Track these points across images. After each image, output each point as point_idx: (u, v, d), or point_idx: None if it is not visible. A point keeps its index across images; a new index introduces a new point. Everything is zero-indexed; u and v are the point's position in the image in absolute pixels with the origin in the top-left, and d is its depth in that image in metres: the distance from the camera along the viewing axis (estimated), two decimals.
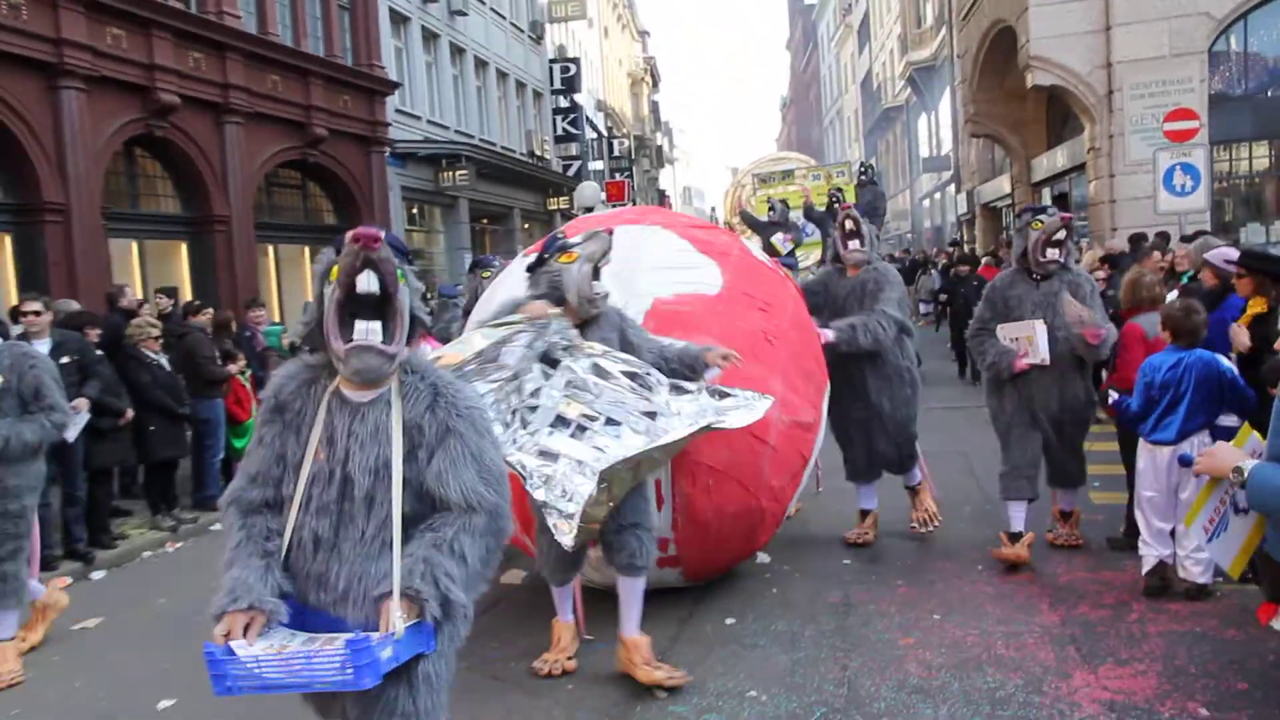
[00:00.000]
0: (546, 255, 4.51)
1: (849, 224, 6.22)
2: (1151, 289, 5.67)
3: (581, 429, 4.08)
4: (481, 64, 25.25)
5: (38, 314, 6.93)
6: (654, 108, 57.02)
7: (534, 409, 4.12)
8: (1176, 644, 4.49)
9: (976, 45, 21.11)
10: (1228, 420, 4.80)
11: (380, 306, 2.45)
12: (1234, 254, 5.67)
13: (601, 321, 4.51)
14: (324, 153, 16.85)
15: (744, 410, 4.47)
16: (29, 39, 10.93)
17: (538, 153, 28.47)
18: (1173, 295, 6.38)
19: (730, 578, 5.70)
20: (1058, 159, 19.67)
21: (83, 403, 6.97)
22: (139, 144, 13.34)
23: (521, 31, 28.70)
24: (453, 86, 23.37)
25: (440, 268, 21.74)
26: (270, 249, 16.47)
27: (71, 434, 6.92)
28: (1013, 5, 17.51)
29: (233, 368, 9.09)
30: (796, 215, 13.82)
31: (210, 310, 10.05)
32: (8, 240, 11.39)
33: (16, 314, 7.46)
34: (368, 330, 2.42)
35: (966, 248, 22.55)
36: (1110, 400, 5.32)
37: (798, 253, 12.10)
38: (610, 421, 4.10)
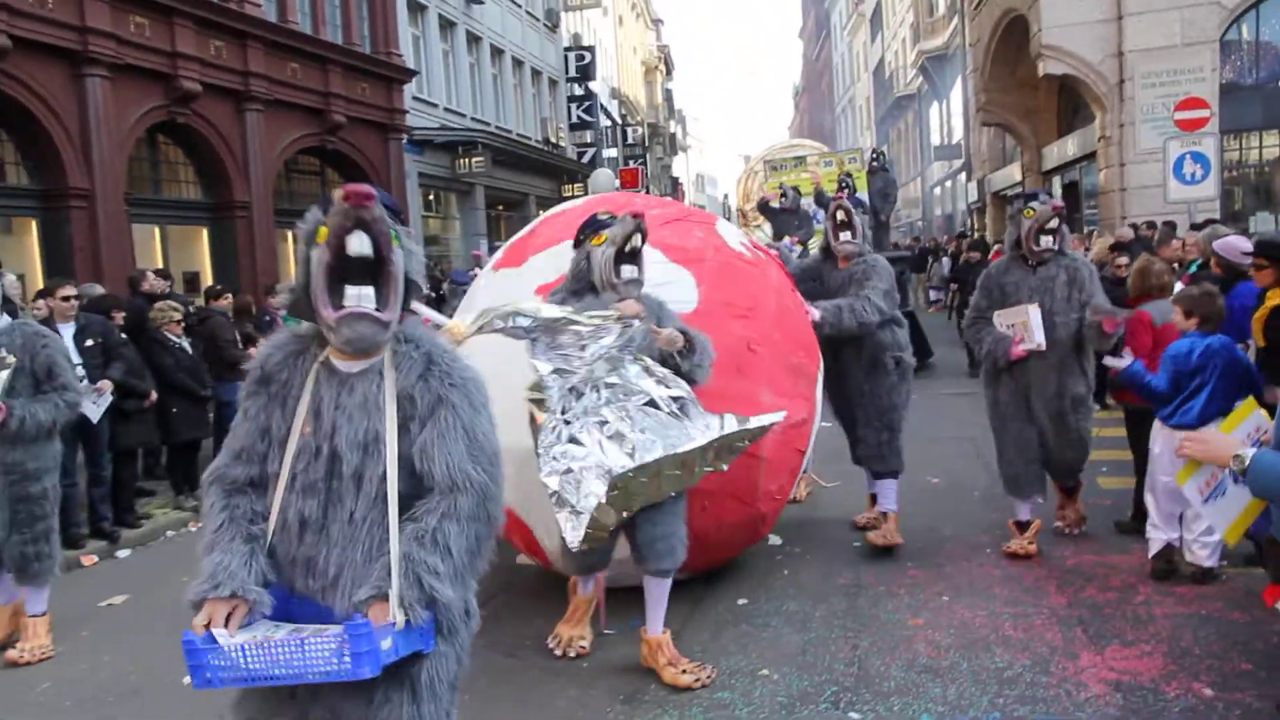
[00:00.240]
0: (582, 236, 4.33)
1: (840, 215, 5.95)
2: (1160, 277, 5.64)
3: (620, 434, 3.95)
4: (498, 52, 25.21)
5: (76, 298, 7.12)
6: (667, 95, 56.82)
7: (579, 398, 4.01)
8: (1182, 626, 4.50)
9: (988, 34, 20.96)
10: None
11: (373, 270, 2.23)
12: (1243, 243, 5.64)
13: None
14: (342, 139, 16.87)
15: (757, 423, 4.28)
16: (55, 27, 10.97)
17: (553, 140, 28.44)
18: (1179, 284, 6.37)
19: (742, 559, 5.72)
20: (1068, 147, 19.55)
21: (106, 384, 7.04)
22: (161, 131, 13.38)
23: (537, 20, 28.62)
24: (469, 74, 23.35)
25: (456, 253, 21.76)
26: (289, 234, 16.47)
27: (95, 415, 7.00)
28: None
29: (253, 351, 9.14)
30: (808, 202, 13.78)
31: (231, 295, 10.11)
32: (34, 225, 11.46)
33: (45, 296, 7.53)
34: (360, 296, 2.20)
35: (977, 235, 22.42)
36: (1123, 365, 4.97)
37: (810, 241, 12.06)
38: (643, 431, 3.97)
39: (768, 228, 13.66)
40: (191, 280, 13.84)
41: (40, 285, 9.03)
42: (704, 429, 4.04)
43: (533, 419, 4.11)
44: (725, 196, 62.68)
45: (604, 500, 3.80)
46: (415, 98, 19.77)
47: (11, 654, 5.10)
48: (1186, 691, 3.85)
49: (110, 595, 6.19)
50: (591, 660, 4.54)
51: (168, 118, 13.02)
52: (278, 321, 10.21)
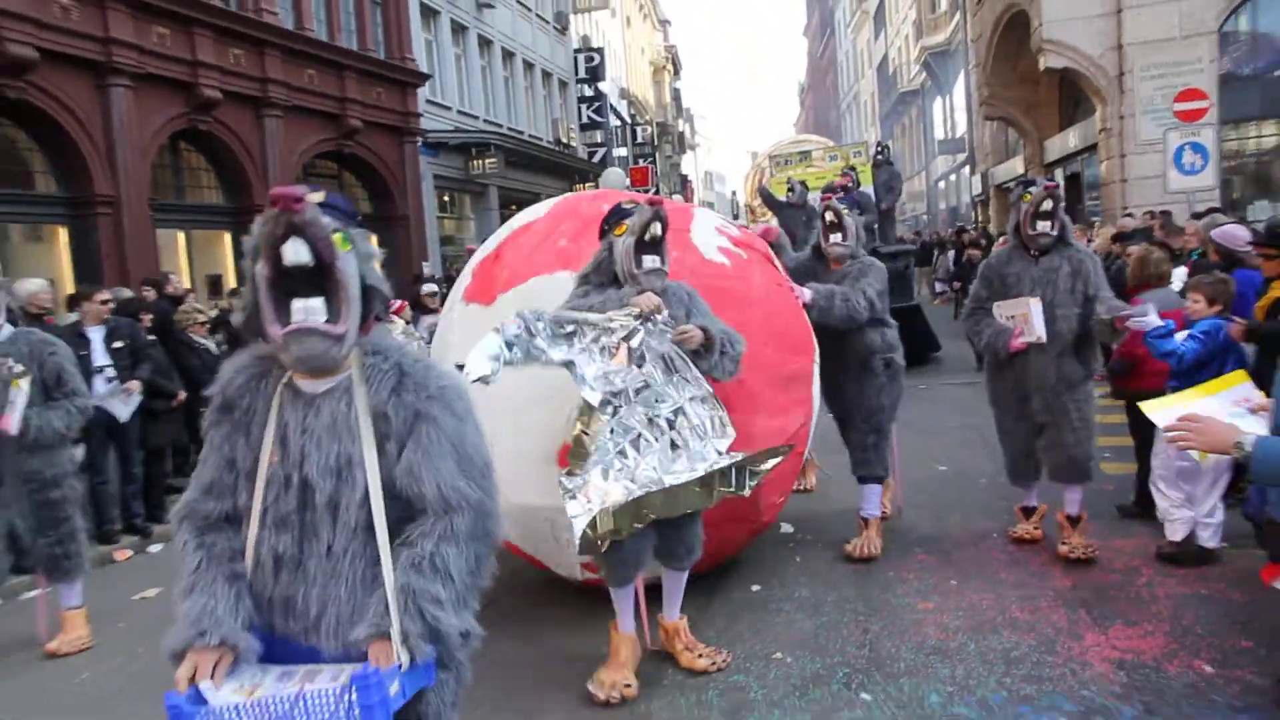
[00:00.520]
0: (606, 227, 4.14)
1: (830, 216, 5.61)
2: (1159, 266, 5.65)
3: (647, 443, 3.83)
4: (509, 55, 25.25)
5: (108, 302, 7.31)
6: (675, 95, 56.74)
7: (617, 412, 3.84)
8: (1183, 606, 4.52)
9: (990, 29, 20.87)
10: None
11: (318, 280, 2.00)
12: (1241, 231, 5.64)
13: (668, 298, 4.07)
14: (359, 143, 16.95)
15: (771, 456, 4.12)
16: (80, 39, 11.08)
17: (564, 140, 28.46)
18: (1179, 271, 6.36)
19: (755, 548, 5.74)
20: (1070, 140, 19.47)
21: (135, 384, 7.15)
22: (183, 138, 13.48)
23: (547, 23, 28.64)
24: (481, 77, 23.40)
25: None
26: None
27: (125, 414, 7.10)
28: None
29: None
30: (815, 197, 13.74)
31: None
32: (63, 232, 11.58)
33: (75, 301, 7.63)
34: (306, 309, 1.98)
35: (979, 227, 22.26)
36: (1154, 323, 4.80)
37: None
38: (673, 445, 3.85)
39: (775, 222, 13.63)
40: (215, 283, 13.96)
41: (70, 290, 9.15)
42: (723, 450, 3.92)
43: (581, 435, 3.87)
44: (734, 193, 62.53)
45: (618, 506, 3.65)
46: (429, 101, 19.83)
47: (51, 645, 5.19)
48: (1188, 669, 3.87)
49: (144, 589, 6.28)
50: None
51: (189, 125, 13.12)
52: None
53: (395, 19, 18.46)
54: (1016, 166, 23.77)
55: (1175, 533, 5.05)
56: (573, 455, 3.81)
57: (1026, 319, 5.03)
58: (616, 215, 4.09)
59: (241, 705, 1.91)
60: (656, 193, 22.28)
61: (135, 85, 11.89)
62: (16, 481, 4.86)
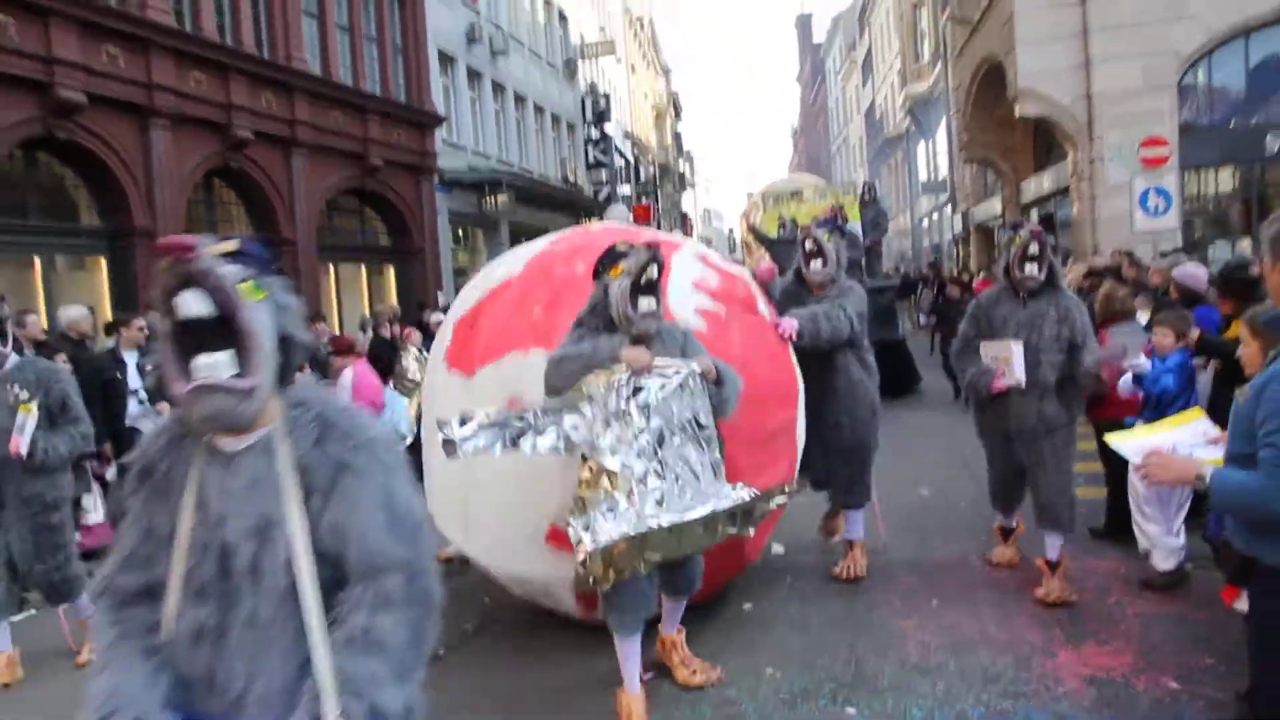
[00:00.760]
0: (600, 268, 3.88)
1: (809, 244, 5.45)
2: (1125, 302, 5.68)
3: (655, 478, 3.61)
4: (520, 99, 25.44)
5: (146, 329, 7.43)
6: (676, 137, 57.09)
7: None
8: (1151, 625, 4.51)
9: (969, 79, 21.05)
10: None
11: (224, 333, 1.75)
12: (1200, 270, 5.69)
13: (663, 339, 3.89)
14: (379, 181, 17.06)
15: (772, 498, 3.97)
16: (125, 84, 11.22)
17: (571, 179, 28.61)
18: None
19: (749, 571, 5.72)
20: (1044, 182, 19.58)
21: (165, 406, 7.18)
22: (217, 175, 13.59)
23: (557, 69, 28.88)
24: (494, 119, 23.57)
25: None
26: (331, 267, 16.69)
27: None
28: (1002, 43, 17.46)
29: (297, 377, 9.25)
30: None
31: None
32: (104, 262, 11.65)
33: (114, 327, 7.68)
34: (210, 365, 1.73)
35: (954, 267, 22.18)
36: (1147, 368, 4.82)
37: None
38: (677, 479, 3.64)
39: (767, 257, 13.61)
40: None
41: (108, 317, 9.19)
42: (727, 491, 3.73)
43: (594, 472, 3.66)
44: (730, 230, 62.80)
45: (619, 544, 3.43)
46: (445, 142, 19.97)
47: (81, 657, 5.16)
48: (1155, 685, 3.87)
49: None
50: (609, 659, 4.42)
51: (223, 163, 13.23)
52: (320, 349, 10.32)
53: (415, 66, 18.63)
54: (995, 206, 23.88)
55: (1165, 561, 4.95)
56: (575, 506, 3.61)
57: (1008, 361, 4.84)
58: (611, 257, 3.83)
59: None
60: (658, 228, 22.33)
61: (174, 126, 12.00)
62: (18, 505, 4.76)
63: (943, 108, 30.05)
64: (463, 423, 3.45)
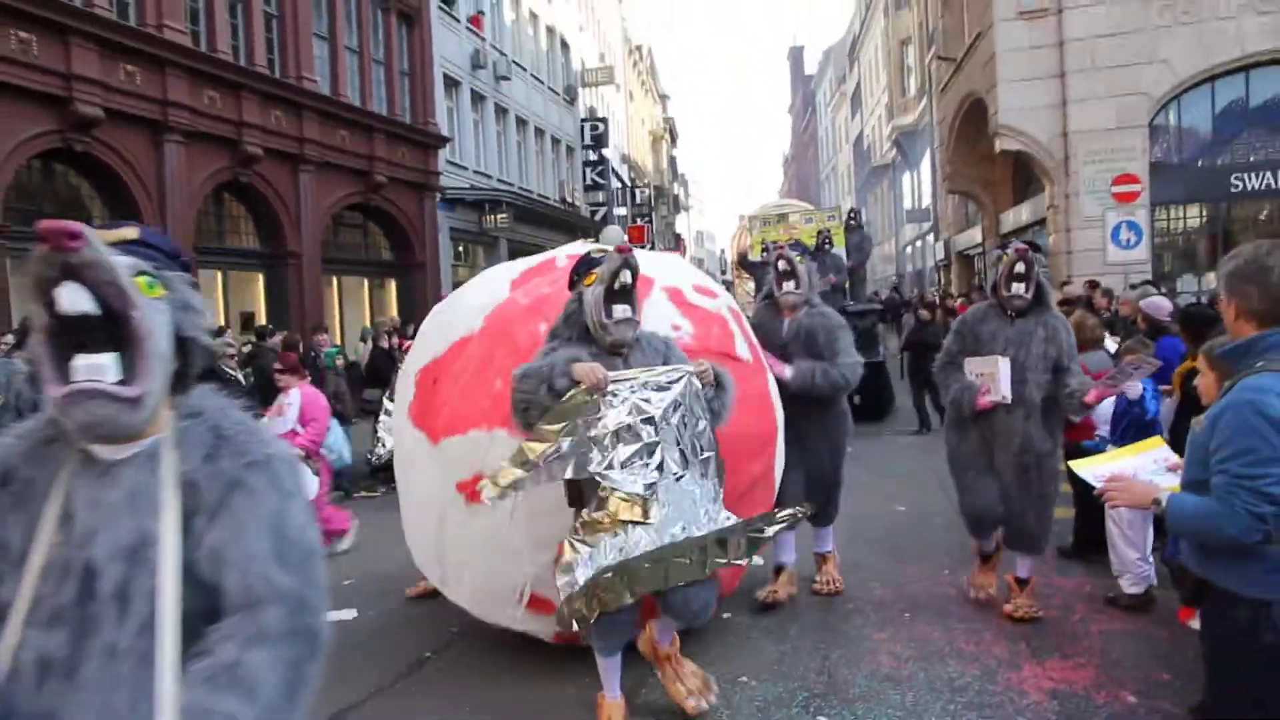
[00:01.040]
0: (575, 278, 3.67)
1: (783, 265, 5.17)
2: (1094, 331, 5.74)
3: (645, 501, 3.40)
4: (522, 122, 25.56)
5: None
6: (672, 161, 57.33)
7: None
8: (1112, 641, 4.53)
9: (952, 114, 21.26)
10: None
11: (110, 332, 1.45)
12: (1165, 304, 5.75)
13: (642, 348, 3.67)
14: (384, 197, 17.10)
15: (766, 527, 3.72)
16: (142, 101, 11.27)
17: (569, 200, 28.72)
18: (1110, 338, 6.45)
19: None
20: (1022, 214, 19.75)
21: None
22: (226, 189, 13.62)
23: (557, 94, 29.03)
24: (496, 141, 23.67)
25: None
26: (335, 280, 16.70)
27: None
28: (984, 80, 17.66)
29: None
30: None
31: (283, 333, 10.23)
32: None
33: None
34: (90, 367, 1.44)
35: (935, 292, 22.19)
36: (1138, 393, 4.75)
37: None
38: (666, 505, 3.40)
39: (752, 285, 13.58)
40: (248, 320, 14.00)
41: None
42: (717, 513, 3.48)
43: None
44: (722, 251, 62.98)
45: (608, 576, 3.26)
46: (448, 161, 20.04)
47: None
48: (1114, 699, 3.89)
49: None
50: (588, 666, 4.31)
51: (232, 177, 13.27)
52: (321, 357, 10.34)
53: (421, 88, 18.72)
54: (975, 235, 24.05)
55: (1135, 586, 4.95)
56: (587, 529, 3.42)
57: (994, 377, 4.63)
58: (585, 265, 3.64)
59: None
60: (652, 249, 22.34)
61: (187, 141, 12.04)
62: None
63: (927, 140, 30.29)
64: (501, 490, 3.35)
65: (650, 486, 3.28)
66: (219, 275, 13.75)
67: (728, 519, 3.45)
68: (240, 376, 8.49)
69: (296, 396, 6.79)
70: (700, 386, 3.55)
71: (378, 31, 17.59)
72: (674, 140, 59.07)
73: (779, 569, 5.36)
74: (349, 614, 5.60)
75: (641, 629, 3.83)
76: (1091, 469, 3.16)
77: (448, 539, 4.38)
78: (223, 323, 11.59)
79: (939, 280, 28.33)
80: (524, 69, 25.53)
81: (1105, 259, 13.68)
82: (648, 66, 49.48)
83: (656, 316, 4.35)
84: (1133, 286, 10.25)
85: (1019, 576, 4.97)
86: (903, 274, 41.80)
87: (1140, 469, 3.04)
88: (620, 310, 3.54)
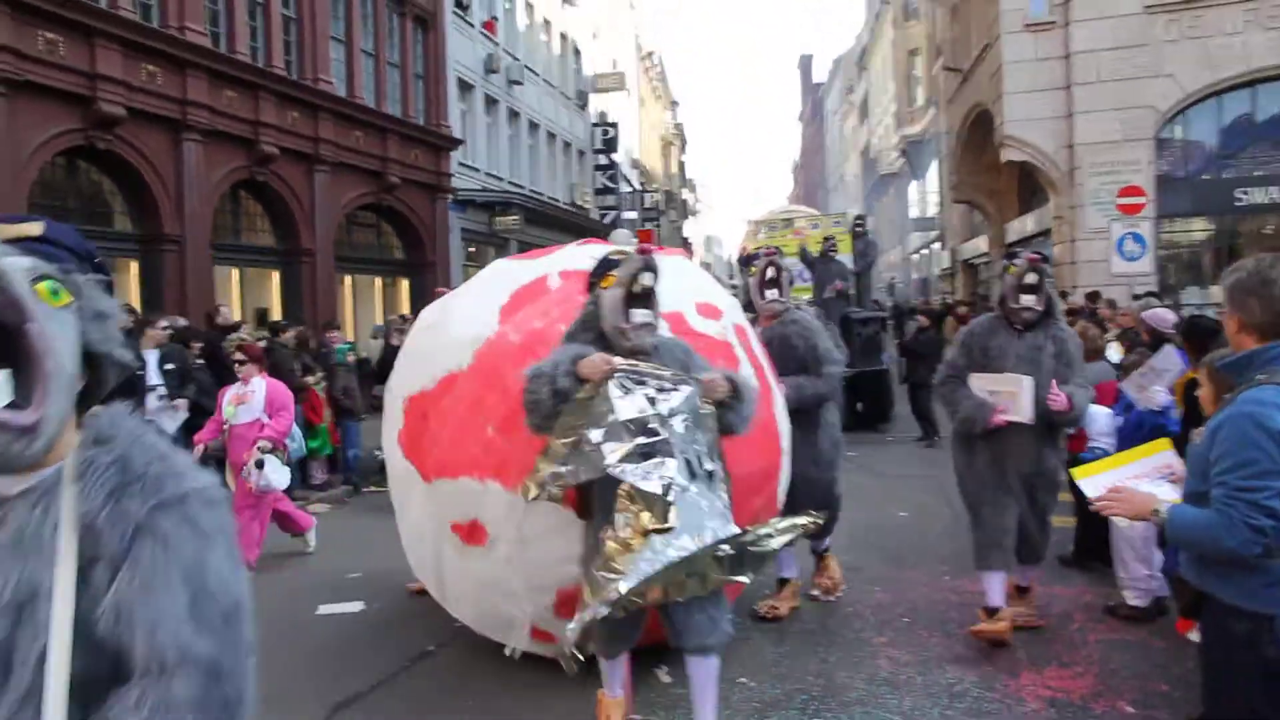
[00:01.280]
0: (594, 280, 3.48)
1: (770, 271, 4.95)
2: (1095, 341, 5.71)
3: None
4: (533, 126, 25.58)
5: (166, 329, 7.52)
6: (681, 166, 57.29)
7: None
8: (1111, 651, 4.50)
9: (960, 124, 21.21)
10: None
11: (3, 347, 1.19)
12: (1168, 315, 5.71)
13: (661, 355, 3.43)
14: (396, 198, 17.13)
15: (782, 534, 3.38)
16: (162, 100, 11.33)
17: (579, 203, 28.73)
18: (1112, 348, 6.42)
19: None
20: (1028, 224, 19.68)
21: (182, 403, 7.25)
22: (243, 187, 13.66)
23: (569, 99, 29.05)
24: (508, 144, 23.70)
25: None
26: (348, 278, 16.74)
27: (171, 428, 7.18)
28: (991, 92, 17.61)
29: (310, 379, 9.25)
30: (792, 261, 13.26)
31: (297, 328, 10.24)
32: (134, 265, 11.70)
33: (143, 326, 7.73)
34: None
35: (942, 301, 22.02)
36: (1163, 403, 4.69)
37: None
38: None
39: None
40: (262, 316, 14.04)
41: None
42: (722, 528, 3.16)
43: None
44: (730, 256, 62.95)
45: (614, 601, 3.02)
46: (460, 163, 20.06)
47: None
48: (1111, 708, 3.86)
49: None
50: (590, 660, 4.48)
51: (249, 176, 13.31)
52: (333, 355, 10.34)
53: (435, 91, 18.76)
54: (981, 245, 23.99)
55: (1139, 599, 4.91)
56: (617, 553, 3.12)
57: (1015, 397, 4.31)
58: (604, 267, 3.45)
59: None
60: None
61: (205, 140, 12.08)
62: None
63: (934, 150, 30.23)
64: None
65: (668, 488, 3.07)
66: (235, 272, 13.80)
67: (732, 533, 3.16)
68: None
69: (260, 385, 6.58)
70: (699, 405, 3.27)
71: (393, 35, 17.63)
72: (684, 146, 59.03)
73: (782, 582, 5.17)
74: (355, 606, 5.61)
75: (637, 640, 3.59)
76: (1093, 479, 3.12)
77: (445, 571, 4.30)
78: (238, 318, 11.59)
79: (953, 288, 28.26)
80: (536, 74, 25.55)
81: (1110, 270, 13.61)
82: (659, 73, 49.47)
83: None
84: (1135, 298, 10.20)
85: (1019, 584, 4.90)
86: (908, 281, 41.73)
87: (1143, 475, 3.01)
88: (640, 315, 3.33)
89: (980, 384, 4.47)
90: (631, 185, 37.50)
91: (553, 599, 3.85)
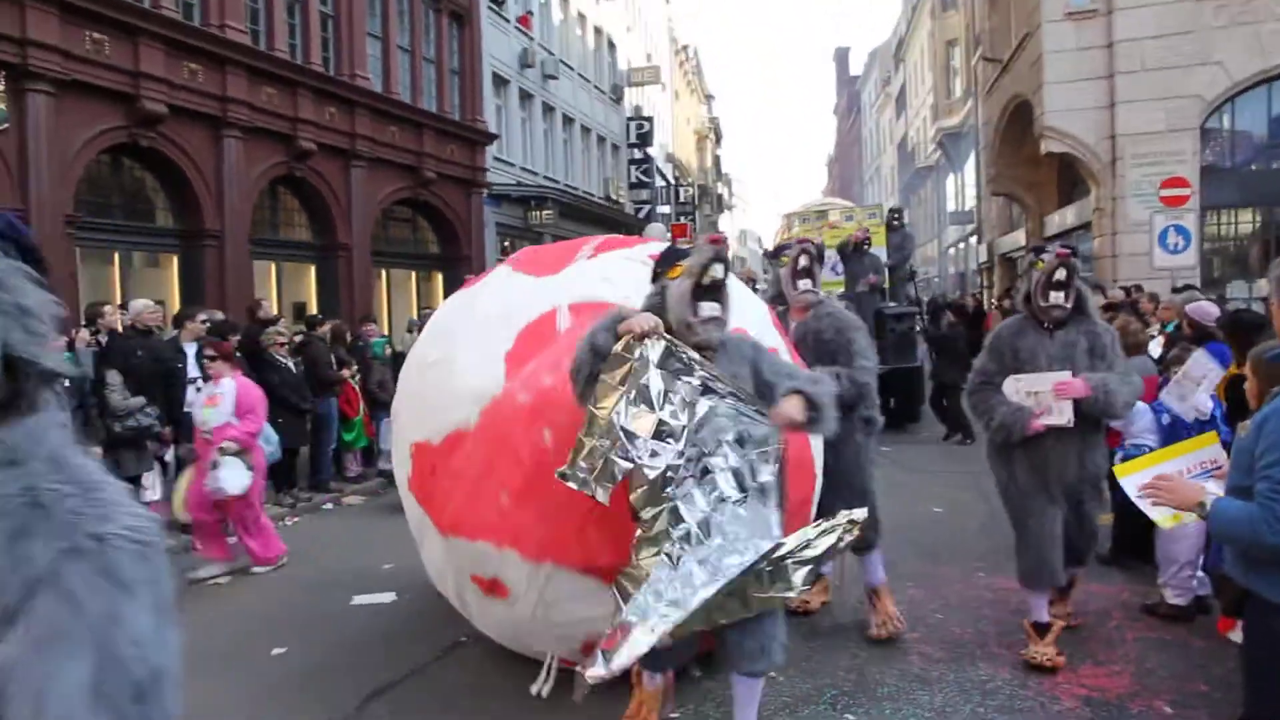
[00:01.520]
0: (659, 270, 3.29)
1: (803, 260, 4.67)
2: (1137, 335, 5.58)
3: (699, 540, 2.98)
4: (568, 120, 25.60)
5: (205, 322, 7.64)
6: (716, 160, 57.04)
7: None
8: (1148, 650, 4.41)
9: (998, 115, 20.84)
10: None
11: None
12: (1211, 308, 5.56)
13: (728, 352, 3.23)
14: (432, 192, 17.23)
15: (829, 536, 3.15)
16: (203, 97, 11.51)
17: (613, 197, 28.72)
18: (1155, 342, 6.27)
19: None
20: (1067, 217, 19.30)
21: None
22: (281, 182, 13.81)
23: (604, 93, 29.03)
24: (543, 139, 23.74)
25: None
26: (383, 272, 16.87)
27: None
28: (1031, 82, 17.27)
29: (345, 373, 9.33)
30: (831, 253, 12.75)
31: (333, 322, 10.36)
32: (175, 260, 11.90)
33: (179, 320, 7.85)
34: None
35: (975, 296, 21.64)
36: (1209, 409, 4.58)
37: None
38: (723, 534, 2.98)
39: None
40: (299, 310, 14.21)
41: (176, 310, 9.40)
42: (761, 541, 2.99)
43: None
44: (764, 250, 62.57)
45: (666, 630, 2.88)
46: (495, 158, 20.13)
47: None
48: (1148, 708, 3.78)
49: (217, 575, 6.35)
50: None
51: (287, 172, 13.46)
52: (369, 349, 10.44)
53: (470, 86, 18.83)
54: (1019, 238, 23.58)
55: (1180, 597, 4.81)
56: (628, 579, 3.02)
57: (1055, 398, 4.08)
58: (671, 256, 3.26)
59: None
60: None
61: (245, 137, 12.24)
62: None
63: (972, 142, 29.77)
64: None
65: (667, 479, 2.93)
66: (272, 266, 13.97)
67: (766, 552, 2.97)
68: (291, 365, 8.62)
69: (230, 386, 6.23)
70: (761, 422, 3.06)
71: (429, 31, 17.72)
72: (719, 140, 58.77)
73: (874, 593, 4.87)
74: (388, 597, 5.66)
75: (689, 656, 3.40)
76: (1135, 476, 3.05)
77: (469, 606, 4.19)
78: (276, 312, 11.75)
79: (980, 282, 27.83)
80: (571, 68, 25.56)
81: (1152, 263, 13.27)
82: (694, 66, 49.30)
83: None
84: (1175, 290, 9.95)
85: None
86: (945, 276, 41.22)
87: (1186, 473, 2.93)
88: (708, 308, 3.14)
89: (1016, 387, 4.19)
90: (666, 179, 37.41)
91: (580, 644, 3.67)
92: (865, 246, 12.00)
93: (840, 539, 3.12)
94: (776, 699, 3.99)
